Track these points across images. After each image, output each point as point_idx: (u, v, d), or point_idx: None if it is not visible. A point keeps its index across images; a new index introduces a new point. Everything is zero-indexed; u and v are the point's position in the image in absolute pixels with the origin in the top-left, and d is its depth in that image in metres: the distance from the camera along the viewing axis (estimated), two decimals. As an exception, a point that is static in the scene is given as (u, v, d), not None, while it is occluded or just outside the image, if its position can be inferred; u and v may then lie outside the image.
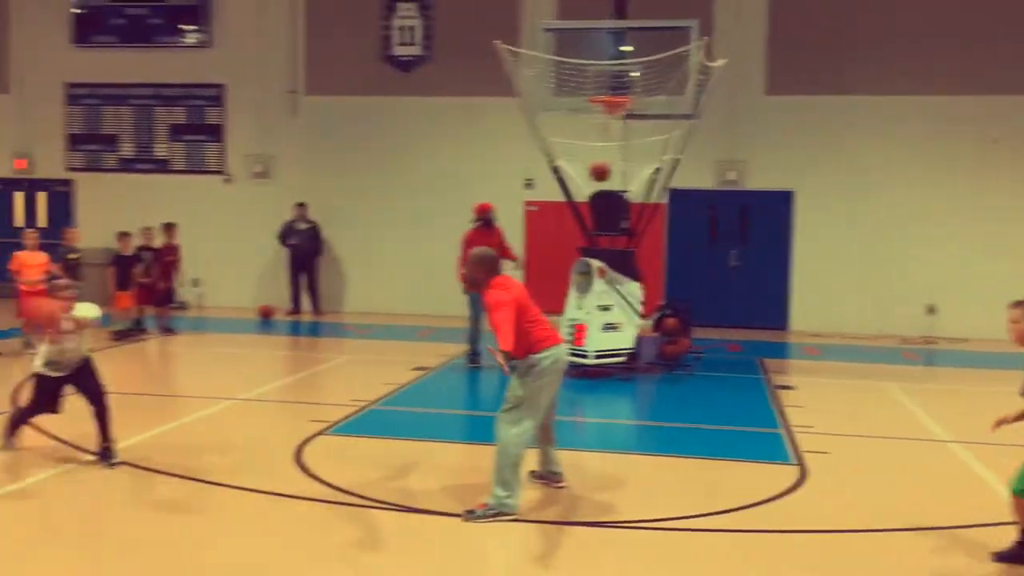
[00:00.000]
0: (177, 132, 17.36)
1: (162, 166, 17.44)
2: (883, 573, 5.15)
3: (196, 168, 17.36)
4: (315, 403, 9.40)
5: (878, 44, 15.10)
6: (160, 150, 17.42)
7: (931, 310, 15.11)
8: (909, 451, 7.85)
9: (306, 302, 16.53)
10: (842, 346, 14.06)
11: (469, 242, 10.76)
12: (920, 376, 12.13)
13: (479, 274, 6.09)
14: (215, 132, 17.25)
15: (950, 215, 15.10)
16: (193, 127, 17.30)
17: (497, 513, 5.78)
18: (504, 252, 10.89)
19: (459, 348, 11.73)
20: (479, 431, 8.32)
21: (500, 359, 5.64)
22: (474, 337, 11.18)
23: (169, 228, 14.31)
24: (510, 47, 11.16)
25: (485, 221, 11.37)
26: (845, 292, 15.45)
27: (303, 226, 16.37)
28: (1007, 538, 5.44)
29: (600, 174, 11.13)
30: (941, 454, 7.73)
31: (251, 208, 17.01)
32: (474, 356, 11.26)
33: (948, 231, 15.08)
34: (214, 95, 17.19)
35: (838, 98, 15.32)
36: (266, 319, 15.60)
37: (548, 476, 6.49)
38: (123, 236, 13.40)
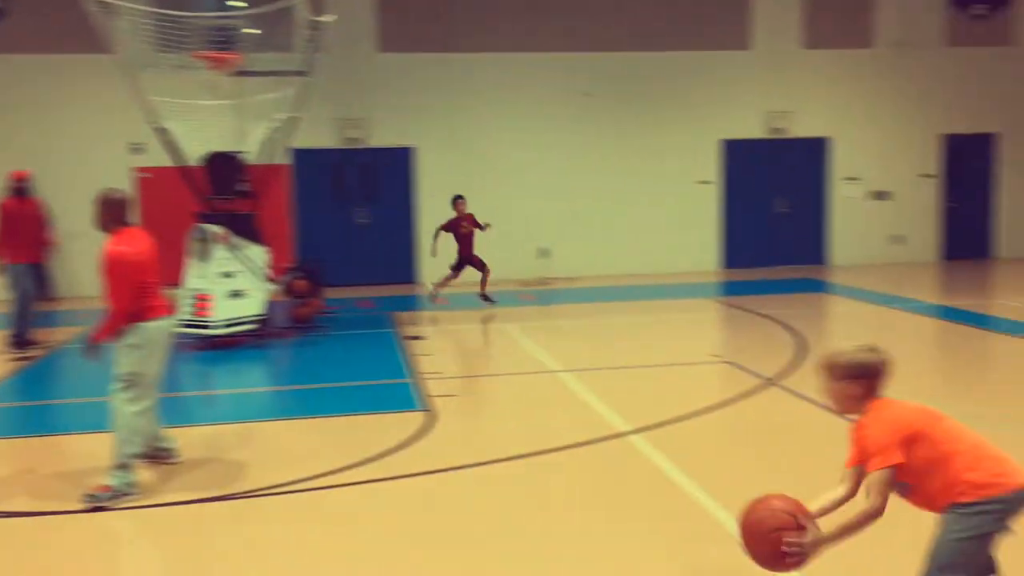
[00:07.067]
0: None
1: None
2: (505, 499, 5.52)
3: None
4: None
5: (480, 4, 15.89)
6: None
7: (544, 253, 16.42)
8: (526, 384, 8.48)
9: None
10: (467, 293, 14.81)
11: (5, 211, 10.05)
12: (535, 315, 13.13)
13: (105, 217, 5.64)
14: None
15: (556, 165, 16.43)
16: None
17: (123, 494, 5.45)
18: (37, 224, 10.25)
19: (62, 332, 10.64)
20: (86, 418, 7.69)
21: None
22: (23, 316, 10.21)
23: None
24: (98, -3, 10.22)
25: (18, 190, 10.31)
26: (468, 242, 16.25)
27: None
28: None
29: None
30: (552, 383, 8.43)
31: None
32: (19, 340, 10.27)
33: (556, 180, 16.42)
34: None
35: (447, 55, 15.92)
36: None
37: (158, 454, 6.09)
38: None
